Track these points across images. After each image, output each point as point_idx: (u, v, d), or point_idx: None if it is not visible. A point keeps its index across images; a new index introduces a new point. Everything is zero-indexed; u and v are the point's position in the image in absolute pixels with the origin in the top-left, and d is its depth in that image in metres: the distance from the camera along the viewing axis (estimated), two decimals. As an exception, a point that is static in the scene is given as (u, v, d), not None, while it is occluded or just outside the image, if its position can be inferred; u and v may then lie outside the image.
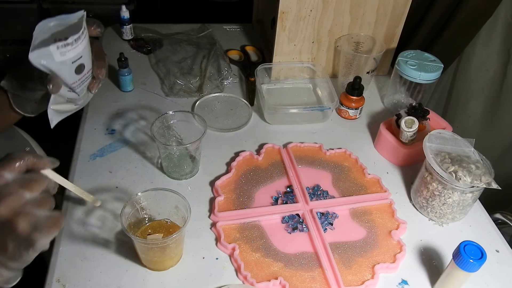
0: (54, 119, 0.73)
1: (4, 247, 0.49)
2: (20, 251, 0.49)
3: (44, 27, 0.64)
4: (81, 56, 0.65)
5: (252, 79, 1.01)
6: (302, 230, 0.73)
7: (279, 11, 0.93)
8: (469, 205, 0.74)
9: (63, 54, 0.62)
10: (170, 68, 1.02)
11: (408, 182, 0.84)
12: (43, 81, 0.64)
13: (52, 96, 0.70)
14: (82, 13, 0.63)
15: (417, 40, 1.31)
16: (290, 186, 0.80)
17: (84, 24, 0.63)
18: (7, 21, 1.61)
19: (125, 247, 0.68)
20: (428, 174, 0.74)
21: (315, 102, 1.02)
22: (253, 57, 1.14)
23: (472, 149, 0.75)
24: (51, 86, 0.63)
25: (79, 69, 0.66)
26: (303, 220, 0.74)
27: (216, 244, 0.70)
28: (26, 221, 0.49)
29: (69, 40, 0.61)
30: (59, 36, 0.61)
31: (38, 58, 0.61)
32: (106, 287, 0.63)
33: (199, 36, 1.15)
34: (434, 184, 0.73)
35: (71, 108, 0.75)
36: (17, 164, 0.52)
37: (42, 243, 0.49)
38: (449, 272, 0.63)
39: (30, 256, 0.50)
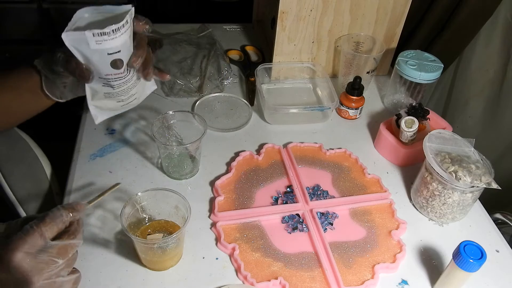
0: (98, 116, 0.73)
1: None
2: None
3: (86, 13, 0.63)
4: (119, 51, 0.63)
5: (252, 79, 1.01)
6: (302, 230, 0.73)
7: (279, 11, 0.93)
8: (469, 205, 0.74)
9: (98, 42, 0.60)
10: (170, 68, 1.02)
11: (408, 182, 0.84)
12: (68, 67, 0.63)
13: (87, 89, 0.69)
14: (129, 8, 0.62)
15: (417, 40, 1.31)
16: (290, 186, 0.80)
17: (128, 19, 0.62)
18: (7, 21, 1.61)
19: (125, 247, 0.68)
20: (428, 174, 0.74)
21: (315, 102, 1.02)
22: (253, 57, 1.13)
23: (472, 149, 0.75)
24: (77, 72, 0.63)
25: (116, 64, 0.65)
26: (303, 220, 0.74)
27: (216, 244, 0.70)
28: None
29: (106, 30, 0.59)
30: (99, 25, 0.60)
31: (72, 41, 0.60)
32: (106, 287, 0.63)
33: (199, 36, 1.15)
34: (434, 184, 0.73)
35: (115, 106, 0.74)
36: (59, 227, 0.51)
37: None
38: (449, 272, 0.63)
39: None
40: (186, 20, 1.23)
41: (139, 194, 0.66)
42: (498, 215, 0.88)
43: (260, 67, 0.99)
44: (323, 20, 0.97)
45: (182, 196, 0.65)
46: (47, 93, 0.70)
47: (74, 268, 0.53)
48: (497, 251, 0.74)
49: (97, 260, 0.66)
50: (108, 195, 0.61)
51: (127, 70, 0.68)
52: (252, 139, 0.90)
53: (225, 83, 1.02)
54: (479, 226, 0.78)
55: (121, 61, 0.65)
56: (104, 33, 0.59)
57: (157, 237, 0.65)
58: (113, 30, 0.60)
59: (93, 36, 0.59)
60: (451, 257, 0.61)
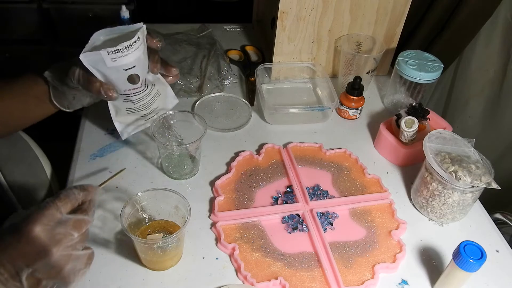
0: (124, 132, 0.79)
1: (35, 284, 0.50)
2: None
3: (101, 35, 0.67)
4: (134, 66, 0.67)
5: (252, 79, 1.01)
6: (302, 230, 0.73)
7: (279, 11, 0.93)
8: (469, 205, 0.74)
9: (114, 59, 0.64)
10: (170, 68, 1.02)
11: (408, 182, 0.84)
12: (90, 88, 0.67)
13: (111, 107, 0.74)
14: (140, 25, 0.67)
15: (417, 40, 1.31)
16: (290, 186, 0.80)
17: (139, 35, 0.65)
18: (7, 21, 1.61)
19: (125, 247, 0.68)
20: (428, 174, 0.74)
21: (315, 102, 1.02)
22: (253, 57, 1.13)
23: (472, 149, 0.75)
24: (102, 91, 0.66)
25: (132, 79, 0.69)
26: (303, 220, 0.74)
27: (216, 244, 0.70)
28: (72, 265, 0.51)
29: (119, 47, 0.63)
30: (113, 44, 0.64)
31: (90, 61, 0.64)
32: (106, 287, 0.63)
33: (199, 36, 1.15)
34: (434, 184, 0.73)
35: (138, 121, 0.78)
36: (72, 203, 0.54)
37: (76, 282, 0.52)
38: (449, 272, 0.63)
39: None
40: (186, 20, 1.23)
41: (139, 194, 0.66)
42: (498, 215, 0.88)
43: (260, 67, 0.99)
44: (323, 20, 0.97)
45: (182, 196, 0.65)
46: (55, 103, 0.73)
47: (87, 246, 0.55)
48: (497, 251, 0.74)
49: (97, 260, 0.66)
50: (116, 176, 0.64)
51: (145, 84, 0.73)
52: (252, 139, 0.90)
53: (225, 83, 1.02)
54: (479, 226, 0.78)
55: (137, 76, 0.69)
56: (118, 50, 0.63)
57: (157, 237, 0.65)
58: (125, 47, 0.64)
59: (108, 54, 0.63)
60: (451, 257, 0.61)
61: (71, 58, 0.69)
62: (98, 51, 0.63)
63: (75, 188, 0.55)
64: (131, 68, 0.67)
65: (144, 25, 0.67)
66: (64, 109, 0.74)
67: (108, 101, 0.73)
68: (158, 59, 0.72)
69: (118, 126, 0.77)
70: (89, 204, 0.56)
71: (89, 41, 0.66)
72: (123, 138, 0.78)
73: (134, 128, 0.79)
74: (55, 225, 0.50)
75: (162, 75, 0.76)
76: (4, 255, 0.48)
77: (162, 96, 0.79)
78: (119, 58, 0.64)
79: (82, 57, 0.63)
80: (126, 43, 0.63)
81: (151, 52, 0.71)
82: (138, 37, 0.65)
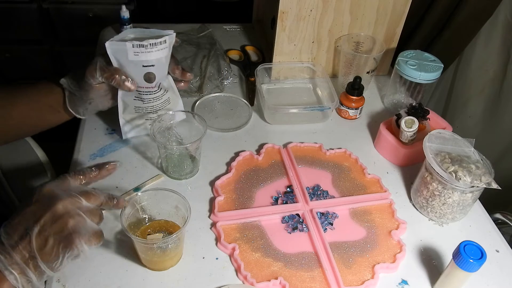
0: (128, 132, 0.82)
1: (43, 243, 0.52)
2: (58, 251, 0.52)
3: (132, 33, 0.71)
4: (153, 65, 0.71)
5: (252, 79, 1.01)
6: (302, 230, 0.73)
7: (279, 11, 0.93)
8: (469, 205, 0.74)
9: (136, 53, 0.68)
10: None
11: (408, 182, 0.84)
12: (110, 78, 0.70)
13: (120, 102, 0.77)
14: (171, 32, 0.72)
15: (417, 40, 1.31)
16: (290, 186, 0.80)
17: (166, 39, 0.69)
18: (7, 21, 1.61)
19: (125, 247, 0.68)
20: (428, 174, 0.74)
21: (315, 102, 1.02)
22: (253, 57, 1.14)
23: (472, 149, 0.75)
24: (116, 80, 0.70)
25: (148, 77, 0.72)
26: (303, 220, 0.74)
27: (216, 244, 0.70)
28: (76, 222, 0.53)
29: (144, 42, 0.67)
30: (139, 40, 0.68)
31: (113, 50, 0.68)
32: (106, 287, 0.63)
33: (199, 36, 1.15)
34: (434, 184, 0.73)
35: (144, 124, 0.82)
36: (82, 177, 0.59)
37: (80, 248, 0.53)
38: (449, 272, 0.63)
39: (64, 260, 0.53)
40: (186, 20, 1.23)
41: (139, 194, 0.66)
42: (498, 215, 0.88)
43: (260, 67, 0.99)
44: (323, 20, 0.97)
45: (182, 196, 0.65)
46: (71, 110, 0.75)
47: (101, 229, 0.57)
48: (497, 251, 0.74)
49: (97, 260, 0.66)
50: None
51: (158, 87, 0.76)
52: (252, 139, 0.90)
53: (225, 83, 1.02)
54: (479, 226, 0.78)
55: (154, 75, 0.72)
56: (142, 45, 0.67)
57: (157, 237, 0.65)
58: (150, 44, 0.68)
59: (132, 47, 0.67)
60: (451, 257, 0.61)
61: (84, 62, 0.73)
62: (123, 42, 0.66)
63: (105, 195, 0.58)
64: (150, 66, 0.70)
65: (174, 33, 0.71)
66: (80, 116, 0.77)
67: (119, 97, 0.75)
68: (178, 62, 0.77)
69: (122, 122, 0.79)
70: (106, 197, 0.59)
71: (119, 34, 0.70)
72: (124, 137, 0.80)
73: (138, 131, 0.81)
74: (64, 190, 0.55)
75: (175, 80, 0.79)
76: (18, 216, 0.53)
77: (171, 106, 0.82)
78: (141, 53, 0.68)
79: (108, 44, 0.66)
80: (151, 41, 0.67)
81: (173, 56, 0.75)
82: (165, 40, 0.69)
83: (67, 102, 0.74)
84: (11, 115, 0.74)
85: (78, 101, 0.74)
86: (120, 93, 0.76)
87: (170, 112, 0.79)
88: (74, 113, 0.76)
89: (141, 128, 0.82)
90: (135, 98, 0.76)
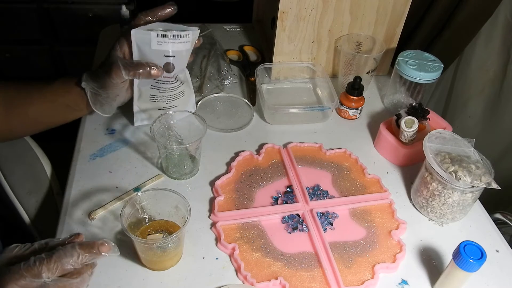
0: (139, 120, 0.84)
1: None
2: None
3: (159, 26, 0.73)
4: (174, 56, 0.74)
5: (252, 79, 1.01)
6: (302, 230, 0.73)
7: (279, 11, 0.93)
8: (469, 205, 0.74)
9: (159, 43, 0.71)
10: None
11: (408, 182, 0.84)
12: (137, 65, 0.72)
13: (135, 90, 0.79)
14: (196, 28, 0.74)
15: (417, 40, 1.31)
16: (290, 186, 0.80)
17: (190, 33, 0.72)
18: (7, 21, 1.61)
19: (125, 247, 0.68)
20: (428, 174, 0.74)
21: (315, 102, 1.02)
22: (253, 57, 1.13)
23: (472, 149, 0.75)
24: (143, 66, 0.71)
25: (168, 67, 0.74)
26: (303, 220, 0.74)
27: (216, 244, 0.70)
28: None
29: (168, 33, 0.70)
30: (164, 31, 0.71)
31: (138, 38, 0.71)
32: (106, 287, 0.63)
33: (199, 36, 1.15)
34: (434, 184, 0.73)
35: (155, 113, 0.82)
36: (64, 268, 0.49)
37: None
38: (449, 272, 0.63)
39: None
40: (186, 20, 1.23)
41: (139, 194, 0.66)
42: (498, 215, 0.88)
43: (260, 67, 0.99)
44: (323, 20, 0.97)
45: (182, 196, 0.65)
46: (96, 110, 0.76)
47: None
48: (497, 251, 0.74)
49: (97, 260, 0.66)
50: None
51: (175, 78, 0.79)
52: (252, 139, 0.90)
53: (225, 83, 1.02)
54: (479, 226, 0.78)
55: (173, 66, 0.75)
56: (166, 36, 0.70)
57: (157, 237, 0.65)
58: (174, 35, 0.71)
59: (157, 36, 0.70)
60: (451, 257, 0.61)
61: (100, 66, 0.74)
62: (148, 31, 0.69)
63: (81, 248, 0.50)
64: (171, 56, 0.73)
65: (199, 30, 0.74)
66: (105, 115, 0.78)
67: (135, 85, 0.78)
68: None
69: (136, 110, 0.82)
70: (86, 269, 0.51)
71: (146, 25, 0.73)
72: (136, 124, 0.83)
73: (149, 120, 0.83)
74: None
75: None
76: None
77: (184, 99, 0.84)
78: (164, 43, 0.70)
79: (133, 32, 0.69)
80: (175, 32, 0.70)
81: (192, 53, 0.78)
82: (188, 34, 0.72)
83: (91, 103, 0.74)
84: (27, 114, 0.75)
85: (104, 100, 0.75)
86: (136, 81, 0.78)
87: (171, 112, 0.79)
88: (100, 112, 0.76)
89: (152, 118, 0.82)
90: (152, 86, 0.79)
